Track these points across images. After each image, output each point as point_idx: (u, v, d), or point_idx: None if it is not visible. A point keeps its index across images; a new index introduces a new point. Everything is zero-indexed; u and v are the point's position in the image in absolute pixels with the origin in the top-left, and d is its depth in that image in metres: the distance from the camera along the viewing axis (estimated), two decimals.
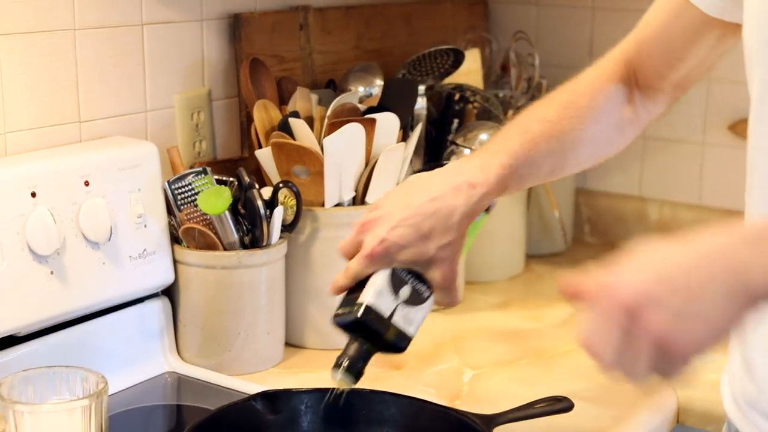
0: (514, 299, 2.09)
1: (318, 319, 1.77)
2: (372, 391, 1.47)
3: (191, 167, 1.74)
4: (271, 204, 1.69)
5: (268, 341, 1.72)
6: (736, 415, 1.35)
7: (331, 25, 2.06)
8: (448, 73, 2.07)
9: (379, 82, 1.99)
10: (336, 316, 1.35)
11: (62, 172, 1.55)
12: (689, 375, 0.99)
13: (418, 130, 1.89)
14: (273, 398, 1.44)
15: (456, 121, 2.07)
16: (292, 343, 1.79)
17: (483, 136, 2.00)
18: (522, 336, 1.90)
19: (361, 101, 1.89)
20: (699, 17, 1.38)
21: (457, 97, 2.10)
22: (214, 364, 1.69)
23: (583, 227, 2.47)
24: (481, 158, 1.39)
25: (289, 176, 1.74)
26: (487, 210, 1.42)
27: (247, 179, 1.69)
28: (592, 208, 2.46)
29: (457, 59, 2.05)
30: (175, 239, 1.70)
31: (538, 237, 2.33)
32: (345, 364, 1.33)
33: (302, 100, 1.85)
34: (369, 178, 1.78)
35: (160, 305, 1.70)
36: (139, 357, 1.67)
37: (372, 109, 1.83)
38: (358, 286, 1.35)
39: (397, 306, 1.33)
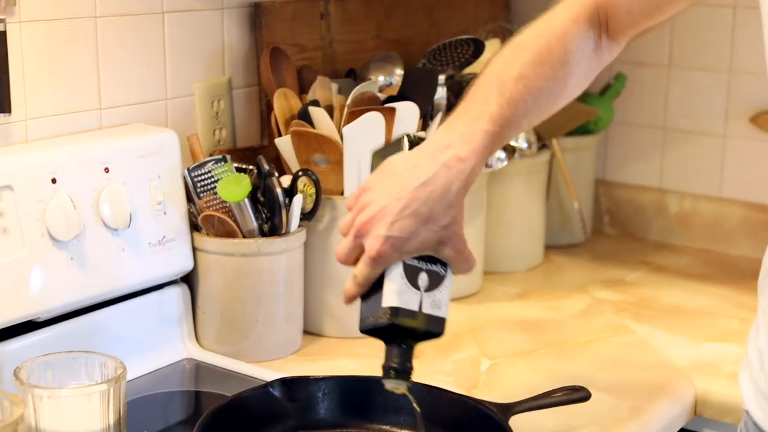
0: (532, 290, 2.09)
1: (336, 308, 1.77)
2: None
3: (211, 155, 1.74)
4: (291, 192, 1.70)
5: (287, 329, 1.72)
6: (755, 408, 1.34)
7: (351, 15, 2.06)
8: (469, 63, 2.06)
9: (400, 72, 1.99)
10: (364, 324, 1.35)
11: (83, 159, 1.56)
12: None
13: (438, 119, 1.89)
14: (291, 385, 1.44)
15: None
16: (310, 331, 1.80)
17: None
18: (540, 326, 1.90)
19: (381, 90, 1.89)
20: None
21: None
22: (232, 351, 1.70)
23: (603, 218, 2.47)
24: (463, 125, 1.34)
25: (309, 165, 1.75)
26: None
27: (266, 167, 1.69)
28: (612, 200, 2.45)
29: (478, 49, 2.05)
30: (194, 226, 1.70)
31: (557, 228, 2.32)
32: (393, 372, 1.34)
33: (322, 89, 1.85)
34: None
35: (179, 292, 1.71)
36: (157, 343, 1.68)
37: (392, 99, 1.83)
38: (372, 287, 1.34)
39: (421, 297, 1.33)
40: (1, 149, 1.54)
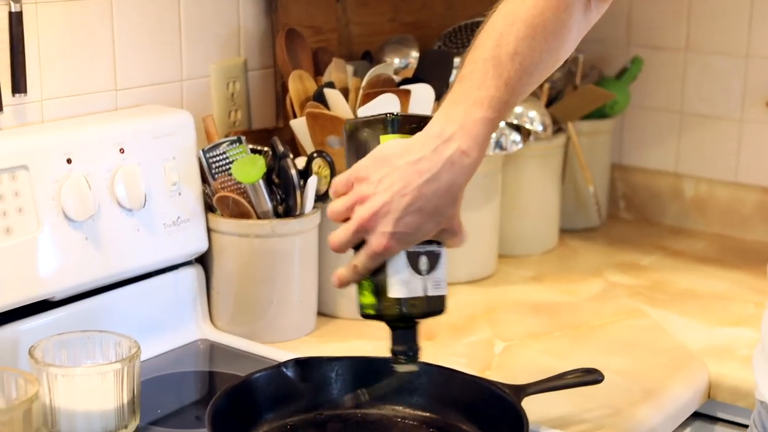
0: (547, 273, 2.08)
1: (350, 289, 1.76)
2: None
3: (226, 136, 1.75)
4: (305, 174, 1.70)
5: (301, 310, 1.73)
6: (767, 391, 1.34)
7: None
8: None
9: (415, 54, 1.99)
10: (365, 309, 1.37)
11: (98, 139, 1.56)
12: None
13: None
14: (304, 365, 1.45)
15: None
16: (324, 313, 1.80)
17: (518, 109, 2.00)
18: (554, 309, 1.90)
19: (396, 73, 1.89)
20: None
21: None
22: (246, 332, 1.70)
23: (619, 203, 2.46)
24: (462, 113, 1.31)
25: (323, 146, 1.75)
26: None
27: (281, 148, 1.70)
28: (628, 184, 2.45)
29: None
30: (209, 207, 1.70)
31: (572, 212, 2.32)
32: (403, 356, 1.37)
33: (338, 71, 1.85)
34: None
35: (194, 273, 1.71)
36: (172, 324, 1.69)
37: (407, 81, 1.82)
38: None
39: (425, 281, 1.34)
40: (16, 129, 1.55)
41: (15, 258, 1.46)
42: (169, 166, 1.64)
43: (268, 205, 1.68)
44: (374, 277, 1.35)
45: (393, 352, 1.38)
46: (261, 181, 1.66)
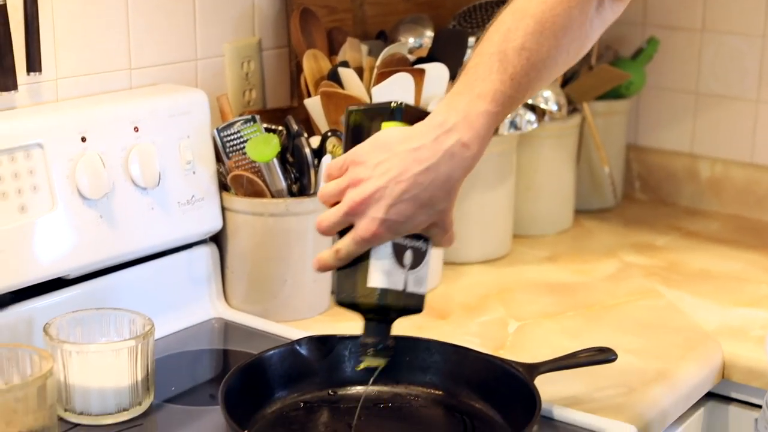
0: (561, 253, 2.08)
1: None
2: (416, 338, 1.48)
3: (240, 115, 1.75)
4: (319, 153, 1.70)
5: (314, 289, 1.73)
6: None
7: None
8: None
9: (430, 34, 1.98)
10: (341, 296, 1.33)
11: (112, 118, 1.56)
12: None
13: None
14: (317, 343, 1.45)
15: None
16: None
17: None
18: (569, 289, 1.90)
19: (410, 52, 1.88)
20: None
21: None
22: (260, 311, 1.71)
23: (634, 183, 2.46)
24: (465, 105, 1.29)
25: (338, 125, 1.75)
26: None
27: (295, 127, 1.70)
28: (643, 165, 2.44)
29: None
30: (223, 186, 1.71)
31: (587, 192, 2.32)
32: (372, 350, 1.34)
33: (352, 50, 1.85)
34: None
35: (208, 251, 1.72)
36: (186, 302, 1.69)
37: (421, 60, 1.82)
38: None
39: (406, 276, 1.31)
40: (31, 108, 1.55)
41: (30, 236, 1.46)
42: (184, 145, 1.64)
43: (283, 184, 1.68)
44: (355, 264, 1.31)
45: (362, 344, 1.34)
46: (275, 160, 1.66)
